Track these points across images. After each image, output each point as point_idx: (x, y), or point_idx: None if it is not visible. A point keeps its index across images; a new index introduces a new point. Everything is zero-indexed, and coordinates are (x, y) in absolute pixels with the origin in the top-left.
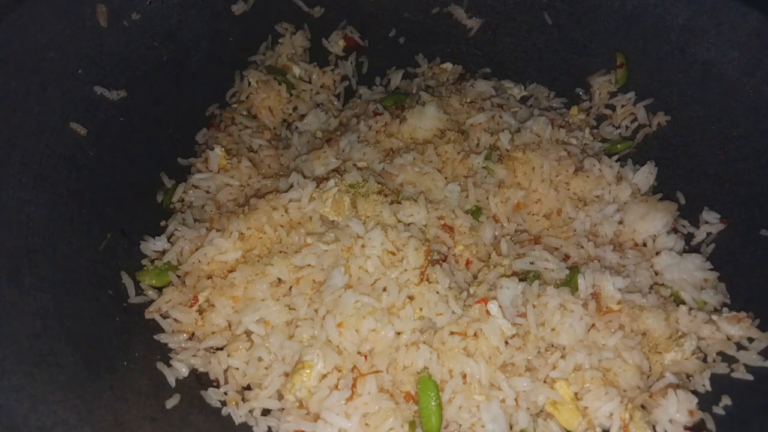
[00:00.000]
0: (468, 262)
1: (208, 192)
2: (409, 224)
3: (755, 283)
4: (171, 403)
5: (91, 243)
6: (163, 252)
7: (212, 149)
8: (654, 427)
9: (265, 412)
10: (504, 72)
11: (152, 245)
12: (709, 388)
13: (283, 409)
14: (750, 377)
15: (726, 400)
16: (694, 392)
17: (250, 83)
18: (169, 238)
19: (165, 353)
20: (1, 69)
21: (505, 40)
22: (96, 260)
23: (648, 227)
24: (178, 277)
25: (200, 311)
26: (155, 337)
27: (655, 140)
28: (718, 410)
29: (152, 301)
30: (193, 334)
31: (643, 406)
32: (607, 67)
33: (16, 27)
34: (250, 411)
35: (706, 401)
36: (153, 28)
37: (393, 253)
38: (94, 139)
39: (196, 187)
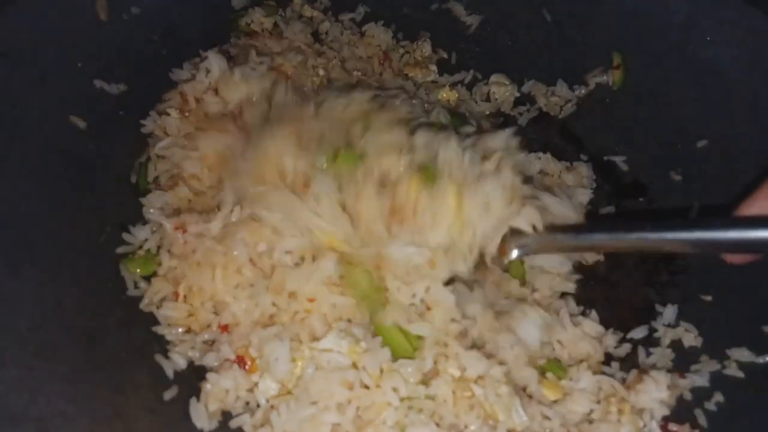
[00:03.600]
0: None
1: (178, 166)
2: None
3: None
4: (169, 395)
5: (91, 236)
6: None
7: (167, 114)
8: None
9: None
10: (502, 69)
11: (138, 233)
12: (705, 383)
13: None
14: (741, 374)
15: (718, 397)
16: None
17: None
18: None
19: (163, 345)
20: (0, 62)
21: (504, 37)
22: (95, 253)
23: None
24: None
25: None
26: (153, 329)
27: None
28: (710, 406)
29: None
30: (190, 327)
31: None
32: (606, 65)
33: (16, 20)
34: (247, 402)
35: (697, 398)
36: (153, 22)
37: None
38: (93, 133)
39: (162, 157)
